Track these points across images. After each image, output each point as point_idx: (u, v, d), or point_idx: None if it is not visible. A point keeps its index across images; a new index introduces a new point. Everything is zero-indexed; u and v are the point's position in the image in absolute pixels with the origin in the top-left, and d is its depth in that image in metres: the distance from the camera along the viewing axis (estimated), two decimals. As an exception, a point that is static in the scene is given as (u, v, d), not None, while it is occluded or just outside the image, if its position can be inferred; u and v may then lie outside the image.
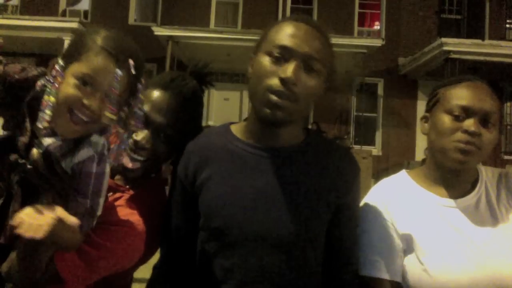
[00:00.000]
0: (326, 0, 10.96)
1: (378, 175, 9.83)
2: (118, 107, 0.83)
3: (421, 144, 10.42)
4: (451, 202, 0.99)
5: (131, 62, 0.82)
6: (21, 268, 0.81)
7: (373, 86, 10.76)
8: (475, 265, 0.91)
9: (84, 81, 0.80)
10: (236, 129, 0.96)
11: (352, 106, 10.63)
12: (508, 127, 10.14)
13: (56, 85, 0.81)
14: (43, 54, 10.55)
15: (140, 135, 0.98)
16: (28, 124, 0.84)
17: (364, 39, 9.84)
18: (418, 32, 10.83)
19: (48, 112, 0.80)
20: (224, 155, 0.92)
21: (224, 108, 10.23)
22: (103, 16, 10.85)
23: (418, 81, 10.60)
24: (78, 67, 0.80)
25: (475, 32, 10.56)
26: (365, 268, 0.98)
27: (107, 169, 0.88)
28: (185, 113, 1.02)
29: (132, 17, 11.11)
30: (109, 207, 0.95)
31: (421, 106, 10.57)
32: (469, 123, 0.94)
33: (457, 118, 0.96)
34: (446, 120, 0.98)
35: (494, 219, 0.96)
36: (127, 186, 1.06)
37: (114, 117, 0.82)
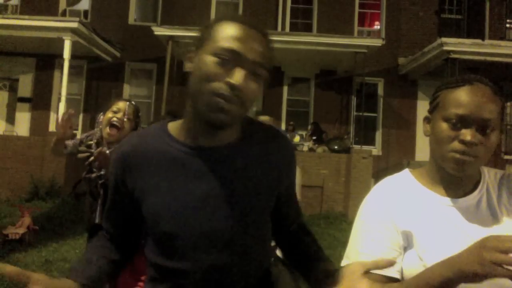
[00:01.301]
0: (326, 0, 10.97)
1: (378, 175, 9.82)
2: (133, 121, 2.07)
3: (421, 144, 10.43)
4: (452, 201, 0.99)
5: (133, 102, 2.07)
6: None
7: (373, 86, 10.77)
8: None
9: (115, 112, 2.00)
10: (173, 128, 0.95)
11: (352, 106, 10.64)
12: (508, 127, 10.15)
13: (102, 118, 2.07)
14: (43, 54, 10.57)
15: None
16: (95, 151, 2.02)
17: (364, 39, 9.84)
18: (418, 32, 10.84)
19: (103, 129, 2.04)
20: (162, 159, 0.90)
21: (224, 108, 10.22)
22: (103, 16, 10.86)
23: (418, 81, 10.61)
24: (112, 108, 2.00)
25: (475, 32, 10.57)
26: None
27: None
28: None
29: (132, 17, 11.12)
30: None
31: (421, 106, 10.58)
32: (466, 133, 0.93)
33: (454, 126, 0.95)
34: (444, 127, 0.97)
35: (494, 219, 0.96)
36: None
37: (130, 126, 2.06)
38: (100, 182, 1.99)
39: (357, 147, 9.09)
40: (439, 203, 1.00)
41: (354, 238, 1.04)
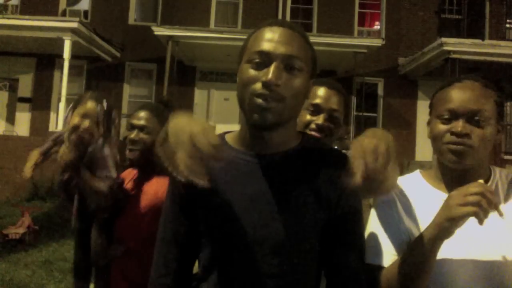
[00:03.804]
0: (326, 0, 10.97)
1: (378, 175, 9.80)
2: (103, 126, 1.68)
3: (421, 144, 10.43)
4: None
5: (105, 102, 1.70)
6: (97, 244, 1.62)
7: (373, 86, 10.77)
8: (473, 262, 0.94)
9: (83, 116, 1.64)
10: (230, 138, 0.98)
11: (352, 106, 10.64)
12: (508, 127, 10.15)
13: (68, 122, 1.68)
14: (43, 54, 10.57)
15: (132, 134, 1.66)
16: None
17: (364, 39, 9.84)
18: (418, 32, 10.84)
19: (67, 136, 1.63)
20: (221, 164, 0.90)
21: (224, 108, 10.23)
22: (103, 16, 10.86)
23: (418, 81, 10.61)
24: (79, 110, 1.67)
25: (475, 32, 10.56)
26: (371, 256, 1.01)
27: (106, 153, 1.65)
28: (157, 120, 1.68)
29: (132, 17, 11.12)
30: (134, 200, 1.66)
31: (421, 106, 10.58)
32: (456, 124, 0.97)
33: (446, 121, 1.00)
34: (437, 125, 1.02)
35: (498, 219, 0.97)
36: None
37: (101, 131, 1.67)
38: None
39: (357, 147, 9.06)
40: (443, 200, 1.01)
41: (366, 239, 1.07)
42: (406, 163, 9.30)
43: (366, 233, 1.07)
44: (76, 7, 10.65)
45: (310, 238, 0.90)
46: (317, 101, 1.35)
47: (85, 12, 10.99)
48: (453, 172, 1.02)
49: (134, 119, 1.69)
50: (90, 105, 1.68)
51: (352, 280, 0.92)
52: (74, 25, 8.68)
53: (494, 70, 8.69)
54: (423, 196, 1.05)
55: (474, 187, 0.83)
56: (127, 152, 1.66)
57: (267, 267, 0.87)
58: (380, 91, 10.85)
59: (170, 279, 0.96)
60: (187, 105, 9.77)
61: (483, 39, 9.81)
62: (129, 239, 1.60)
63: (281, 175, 0.90)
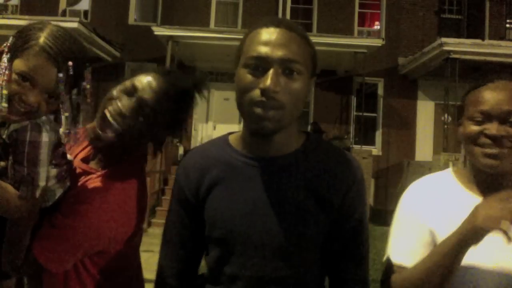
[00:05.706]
0: (326, 0, 10.96)
1: (378, 175, 9.82)
2: (60, 101, 0.89)
3: (421, 144, 10.42)
4: None
5: (69, 64, 0.87)
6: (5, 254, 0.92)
7: (373, 86, 10.76)
8: (498, 270, 0.93)
9: (24, 78, 0.84)
10: (234, 140, 0.97)
11: (352, 106, 10.64)
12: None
13: (6, 78, 0.83)
14: (43, 54, 10.55)
15: (125, 103, 1.03)
16: None
17: (364, 39, 9.84)
18: (418, 32, 10.84)
19: (4, 104, 0.83)
20: (223, 167, 0.92)
21: (224, 108, 10.23)
22: (103, 16, 10.85)
23: (418, 81, 10.60)
24: (19, 64, 0.84)
25: (475, 32, 10.56)
26: (392, 254, 1.02)
27: (43, 139, 0.89)
28: (171, 102, 1.05)
29: (132, 17, 11.11)
30: (78, 189, 1.01)
31: (421, 106, 10.58)
32: (489, 127, 0.95)
33: (479, 123, 0.97)
34: (470, 127, 0.99)
35: None
36: (101, 170, 1.06)
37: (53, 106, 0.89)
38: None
39: (357, 147, 9.08)
40: (472, 203, 1.00)
41: (391, 235, 1.08)
42: (406, 163, 9.30)
43: (391, 231, 1.07)
44: (76, 7, 10.64)
45: (312, 241, 0.89)
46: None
47: (85, 12, 10.98)
48: (487, 176, 0.99)
49: (140, 84, 1.07)
50: (41, 61, 0.84)
51: None
52: (74, 25, 8.66)
53: (494, 70, 8.68)
54: (453, 197, 1.03)
55: (505, 200, 0.81)
56: (99, 124, 1.03)
57: (270, 270, 0.87)
58: (380, 91, 10.85)
59: (174, 279, 0.98)
60: (187, 105, 9.77)
61: (483, 39, 9.81)
62: (48, 260, 0.94)
63: (283, 178, 0.89)
